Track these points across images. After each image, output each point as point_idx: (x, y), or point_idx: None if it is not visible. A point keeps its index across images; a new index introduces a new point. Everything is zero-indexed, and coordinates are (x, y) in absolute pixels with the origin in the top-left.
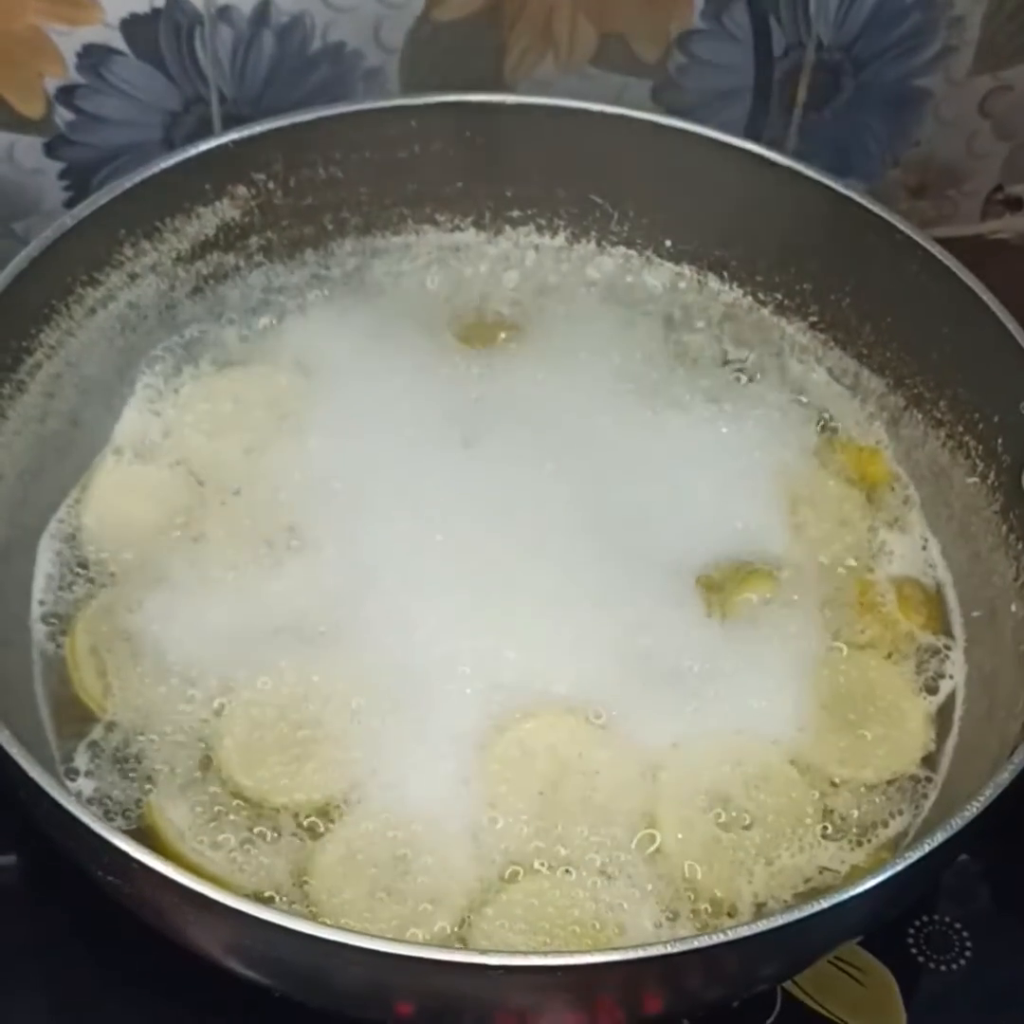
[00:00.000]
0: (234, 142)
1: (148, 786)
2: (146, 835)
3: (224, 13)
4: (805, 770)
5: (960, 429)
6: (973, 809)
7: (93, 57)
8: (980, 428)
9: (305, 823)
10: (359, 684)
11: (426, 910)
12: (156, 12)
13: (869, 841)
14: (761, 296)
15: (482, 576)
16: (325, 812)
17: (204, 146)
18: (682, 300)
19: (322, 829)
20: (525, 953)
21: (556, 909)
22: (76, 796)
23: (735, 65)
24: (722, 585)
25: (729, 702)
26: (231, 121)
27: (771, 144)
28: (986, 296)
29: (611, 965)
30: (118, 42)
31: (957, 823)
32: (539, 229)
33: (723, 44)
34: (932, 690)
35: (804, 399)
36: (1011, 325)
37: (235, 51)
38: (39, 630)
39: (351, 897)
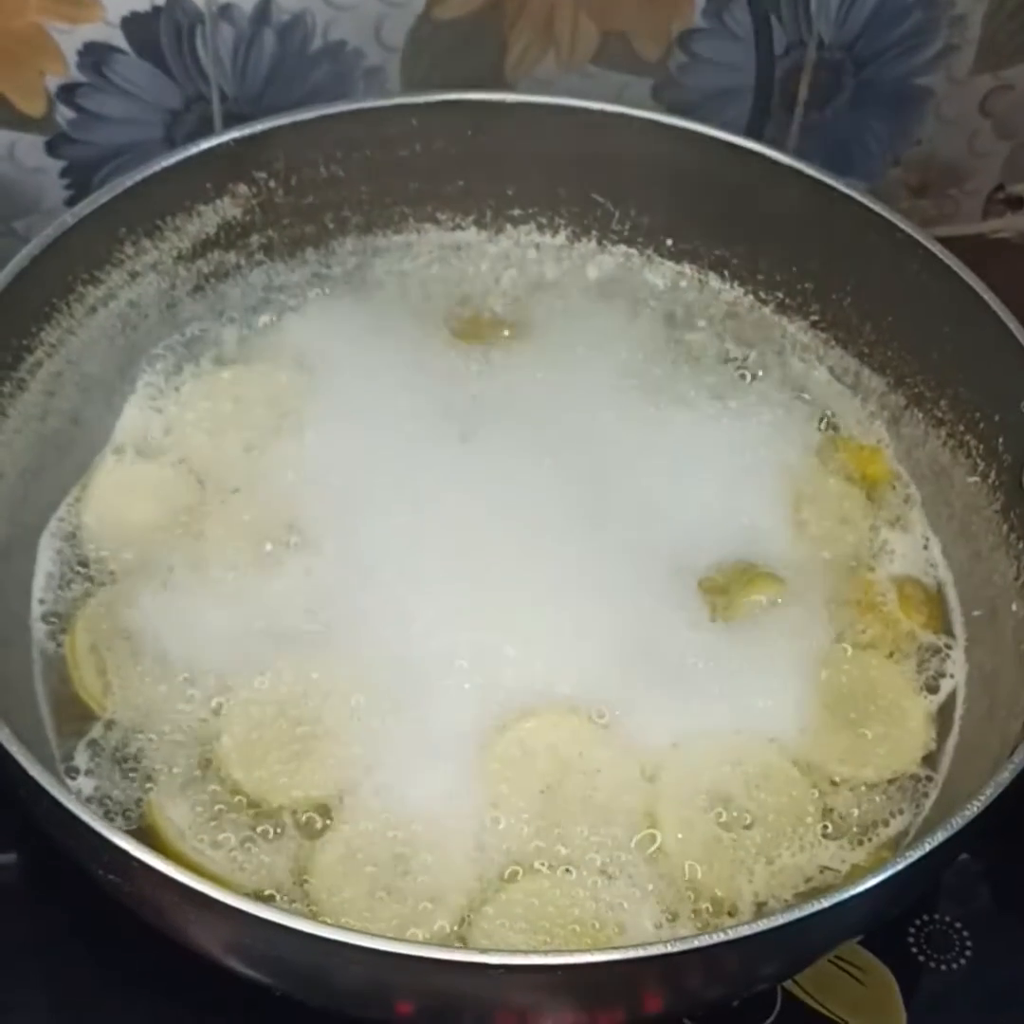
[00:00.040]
0: (235, 140)
1: (148, 785)
2: (146, 834)
3: (225, 11)
4: (806, 769)
5: (961, 428)
6: (974, 808)
7: (94, 55)
8: (981, 427)
9: (305, 822)
10: (359, 682)
11: (426, 909)
12: (157, 10)
13: (870, 840)
14: (762, 295)
15: (482, 573)
16: (325, 810)
17: (205, 144)
18: (683, 299)
19: (322, 828)
20: (525, 952)
21: (556, 908)
22: (76, 795)
23: (736, 64)
24: (726, 588)
25: (730, 701)
26: (232, 119)
27: (772, 143)
28: (987, 295)
29: (611, 964)
30: (119, 40)
31: (958, 822)
32: (540, 228)
33: (724, 43)
34: (933, 689)
35: (805, 398)
36: (1012, 324)
37: (236, 49)
38: (39, 629)
39: (351, 896)
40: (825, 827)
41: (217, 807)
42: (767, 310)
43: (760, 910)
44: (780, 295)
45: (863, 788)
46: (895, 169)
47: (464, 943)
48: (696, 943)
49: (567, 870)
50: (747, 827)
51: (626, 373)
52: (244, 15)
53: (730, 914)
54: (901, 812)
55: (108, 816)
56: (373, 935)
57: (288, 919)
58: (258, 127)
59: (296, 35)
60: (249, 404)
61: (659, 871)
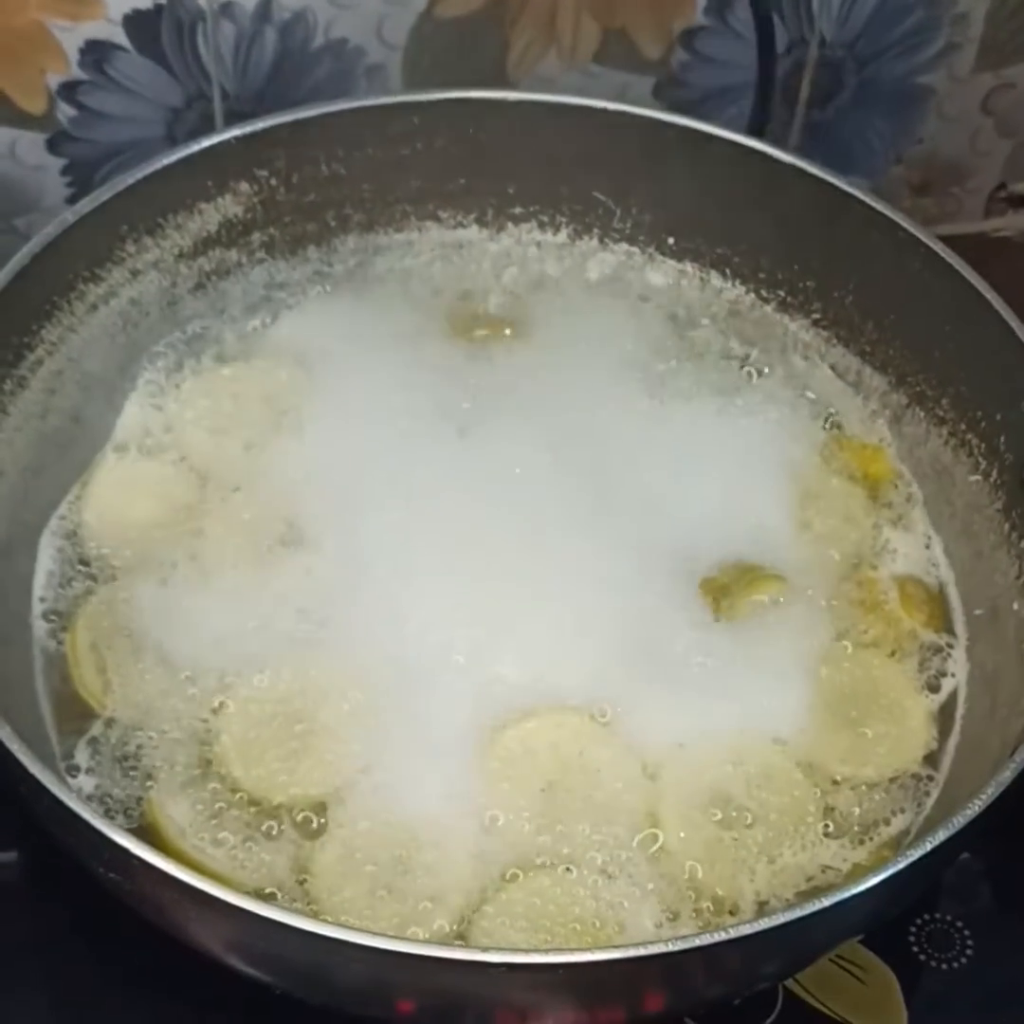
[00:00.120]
0: (236, 138)
1: (149, 783)
2: (147, 832)
3: (226, 9)
4: (807, 768)
5: (962, 427)
6: (975, 807)
7: (95, 53)
8: (982, 426)
9: (305, 820)
10: (359, 680)
11: (426, 908)
12: (159, 8)
13: (871, 839)
14: (764, 293)
15: (483, 571)
16: (324, 809)
17: (206, 142)
18: (685, 297)
19: (322, 826)
20: (526, 951)
21: (557, 907)
22: (77, 793)
23: (738, 62)
24: (728, 587)
25: (731, 700)
26: (233, 117)
27: (774, 141)
28: (989, 294)
29: (612, 963)
30: (120, 38)
31: (959, 822)
32: (541, 226)
33: (726, 41)
34: (934, 688)
35: (808, 396)
36: (1014, 323)
37: (237, 47)
38: (40, 627)
39: (351, 895)
40: (826, 826)
41: (217, 805)
42: (769, 308)
43: (761, 909)
44: (782, 293)
45: (864, 787)
46: (897, 167)
47: (465, 942)
48: (697, 942)
49: (568, 869)
50: (748, 826)
51: (627, 371)
52: (246, 13)
53: (731, 913)
54: (902, 811)
55: (108, 814)
56: (374, 933)
57: (289, 917)
58: (259, 125)
59: (298, 33)
60: (249, 402)
61: (660, 870)
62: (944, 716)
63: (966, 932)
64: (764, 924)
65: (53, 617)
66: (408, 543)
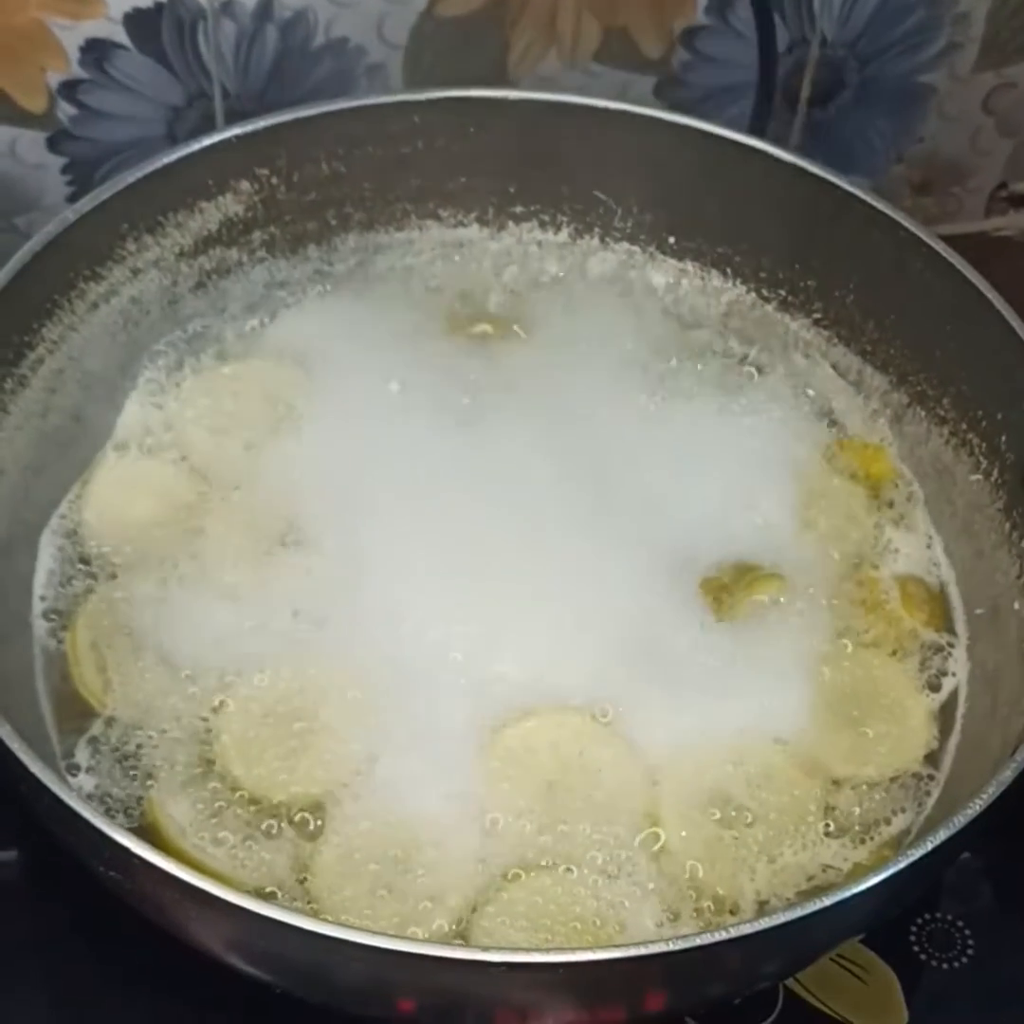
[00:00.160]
0: (237, 137)
1: (149, 782)
2: (147, 831)
3: (227, 8)
4: (808, 768)
5: (963, 426)
6: (976, 807)
7: (96, 52)
8: (983, 425)
9: (305, 819)
10: (359, 678)
11: (427, 908)
12: (159, 6)
13: (871, 839)
14: (765, 292)
15: (483, 570)
16: (324, 808)
17: (207, 141)
18: (685, 296)
19: (322, 825)
20: (527, 950)
21: (558, 906)
22: (77, 792)
23: (739, 61)
24: (729, 588)
25: (732, 700)
26: (234, 116)
27: (775, 140)
28: (990, 293)
29: (613, 962)
30: (121, 36)
31: (960, 821)
32: (542, 225)
33: (727, 40)
34: (935, 687)
35: (808, 395)
36: (1015, 322)
37: (238, 46)
38: (40, 626)
39: (352, 894)
40: (827, 825)
41: (218, 804)
42: (769, 307)
43: (762, 909)
44: (783, 292)
45: (865, 786)
46: (898, 167)
47: (465, 941)
48: (698, 941)
49: (568, 869)
50: (749, 825)
51: (628, 370)
52: (246, 11)
53: (732, 913)
54: (903, 810)
55: (109, 813)
56: (375, 933)
57: (289, 917)
58: (260, 124)
59: (298, 32)
60: (250, 400)
61: (661, 869)
62: (945, 715)
63: (967, 932)
64: (765, 923)
65: (53, 616)
66: (408, 542)
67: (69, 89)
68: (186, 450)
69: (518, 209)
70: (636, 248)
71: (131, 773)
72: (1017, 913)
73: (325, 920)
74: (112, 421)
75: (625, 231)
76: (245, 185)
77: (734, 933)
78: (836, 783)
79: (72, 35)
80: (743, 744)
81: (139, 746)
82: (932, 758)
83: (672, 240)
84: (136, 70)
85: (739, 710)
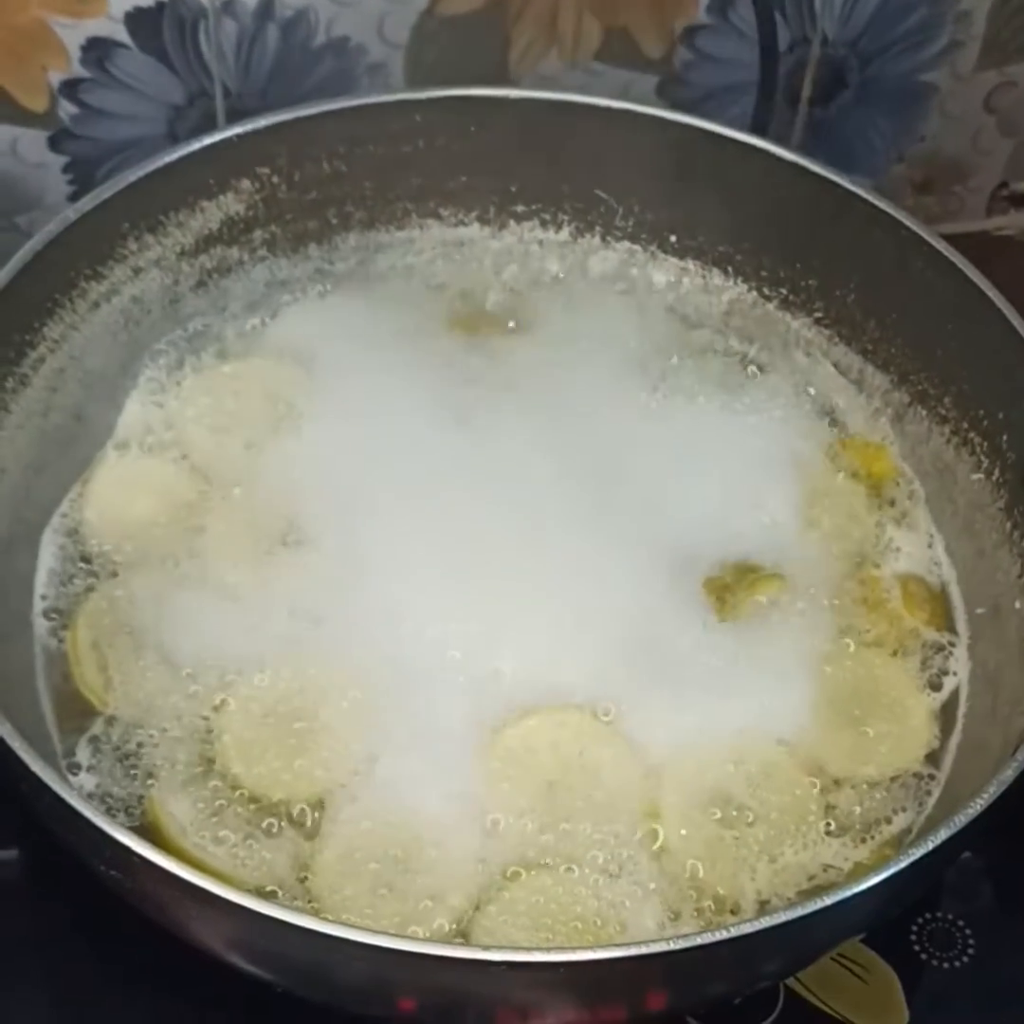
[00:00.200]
0: (238, 136)
1: (150, 781)
2: (148, 830)
3: (228, 7)
4: (809, 767)
5: (965, 425)
6: (976, 806)
7: (97, 51)
8: (985, 424)
9: (306, 818)
10: (359, 677)
11: (427, 907)
12: (160, 5)
13: (872, 838)
14: (766, 291)
15: (484, 569)
16: (325, 806)
17: (208, 140)
18: (687, 295)
19: (322, 824)
20: (528, 949)
21: (559, 906)
22: (78, 791)
23: (740, 60)
24: (731, 587)
25: (733, 699)
26: (235, 115)
27: (776, 139)
28: (991, 292)
29: (614, 961)
30: (122, 35)
31: (960, 820)
32: (543, 224)
33: (728, 39)
34: (936, 687)
35: (810, 394)
36: (1016, 321)
37: (239, 45)
38: (41, 625)
39: (352, 893)
40: (828, 825)
41: (218, 803)
42: (771, 306)
43: (763, 908)
44: (784, 291)
45: (866, 786)
46: (899, 166)
47: (466, 940)
48: (698, 941)
49: (569, 868)
50: (750, 825)
51: (629, 369)
52: (247, 10)
53: (733, 912)
54: (904, 810)
55: (109, 812)
56: (376, 932)
57: (290, 915)
58: (261, 123)
59: (299, 30)
60: (250, 399)
61: (662, 869)
62: (946, 715)
63: (968, 931)
64: (765, 923)
65: (54, 615)
66: (409, 541)
67: (70, 88)
68: (187, 449)
69: (519, 208)
70: (637, 247)
71: (132, 772)
72: (1018, 913)
73: (326, 919)
74: (113, 420)
75: (626, 230)
76: (246, 184)
77: (735, 932)
78: (837, 782)
79: (73, 34)
80: (744, 743)
81: (140, 745)
82: (933, 757)
83: (673, 239)
84: (137, 69)
85: (740, 709)
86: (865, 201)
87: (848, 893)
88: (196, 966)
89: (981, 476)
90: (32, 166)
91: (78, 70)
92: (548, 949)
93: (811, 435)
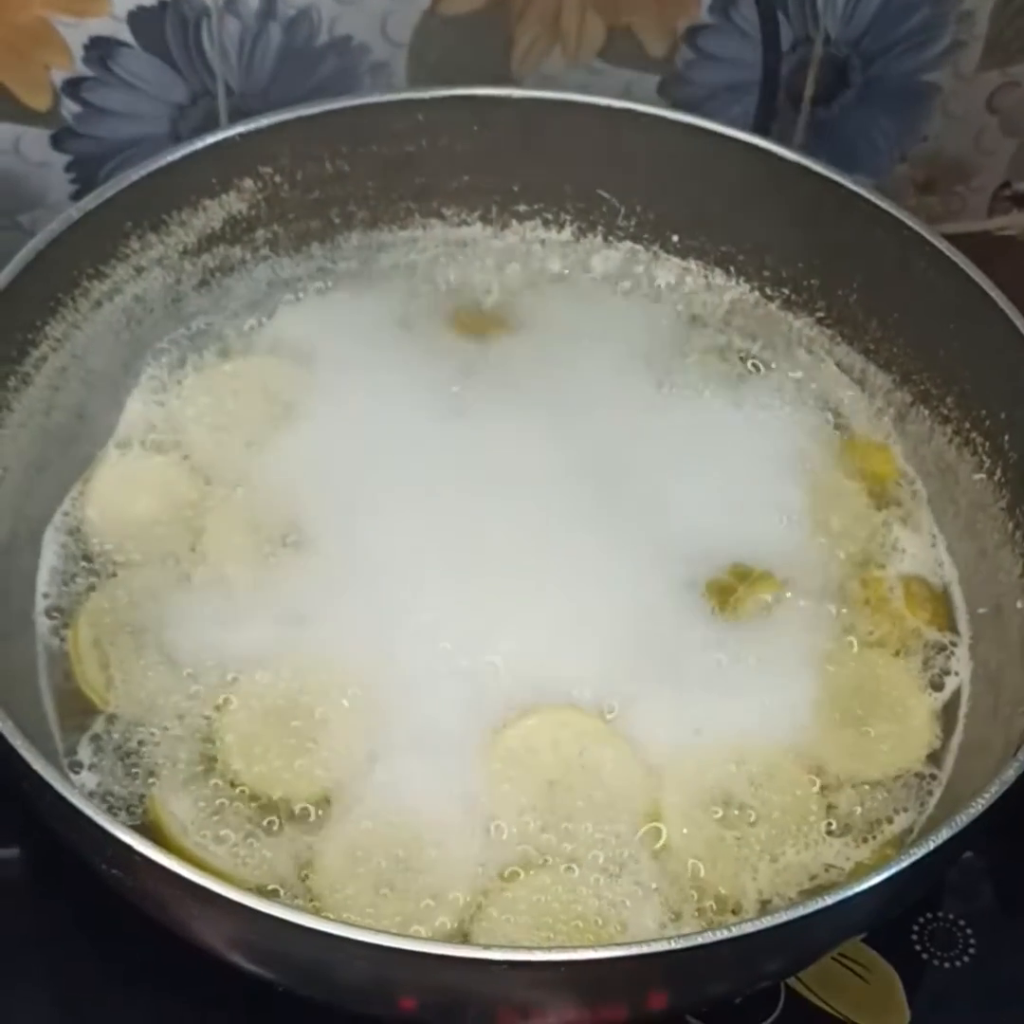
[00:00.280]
0: (241, 135)
1: (151, 780)
2: (149, 829)
3: (231, 6)
4: (810, 767)
5: (967, 425)
6: (978, 806)
7: (100, 49)
8: (987, 424)
9: (307, 817)
10: (360, 677)
11: (429, 906)
12: (163, 4)
13: (874, 838)
14: (768, 291)
15: (485, 568)
16: (326, 805)
17: (211, 139)
18: (689, 295)
19: (324, 823)
20: (529, 948)
21: (560, 905)
22: (79, 789)
23: (743, 60)
24: (734, 586)
25: (735, 698)
26: (238, 114)
27: (779, 139)
28: (993, 292)
29: (615, 961)
30: (125, 34)
31: (962, 820)
32: (546, 223)
33: (731, 39)
34: (937, 687)
35: (812, 394)
36: (1018, 321)
37: (242, 44)
38: (43, 623)
39: (354, 892)
40: (829, 825)
41: (219, 802)
42: (773, 306)
43: (764, 908)
44: (786, 291)
45: (867, 786)
46: (901, 166)
47: (467, 939)
48: (699, 940)
49: (570, 867)
50: (751, 824)
51: (631, 368)
52: (250, 9)
53: (734, 912)
54: (905, 810)
55: (111, 811)
56: (378, 931)
57: (291, 914)
58: (264, 122)
59: (302, 29)
60: (251, 398)
61: (663, 868)
62: (947, 715)
63: (969, 931)
64: (766, 922)
65: (56, 613)
66: (410, 540)
67: (73, 87)
68: (188, 448)
69: (521, 207)
70: (639, 246)
71: (133, 771)
72: (1019, 913)
73: (327, 918)
74: (114, 419)
75: (628, 229)
76: (249, 183)
77: (736, 932)
78: (838, 782)
79: (76, 33)
80: (746, 743)
81: (141, 743)
82: (935, 757)
83: (676, 238)
84: (140, 68)
85: (742, 709)
86: (867, 201)
87: (849, 893)
88: (197, 965)
89: (983, 476)
90: (35, 165)
91: (81, 69)
92: (549, 948)
93: (814, 435)
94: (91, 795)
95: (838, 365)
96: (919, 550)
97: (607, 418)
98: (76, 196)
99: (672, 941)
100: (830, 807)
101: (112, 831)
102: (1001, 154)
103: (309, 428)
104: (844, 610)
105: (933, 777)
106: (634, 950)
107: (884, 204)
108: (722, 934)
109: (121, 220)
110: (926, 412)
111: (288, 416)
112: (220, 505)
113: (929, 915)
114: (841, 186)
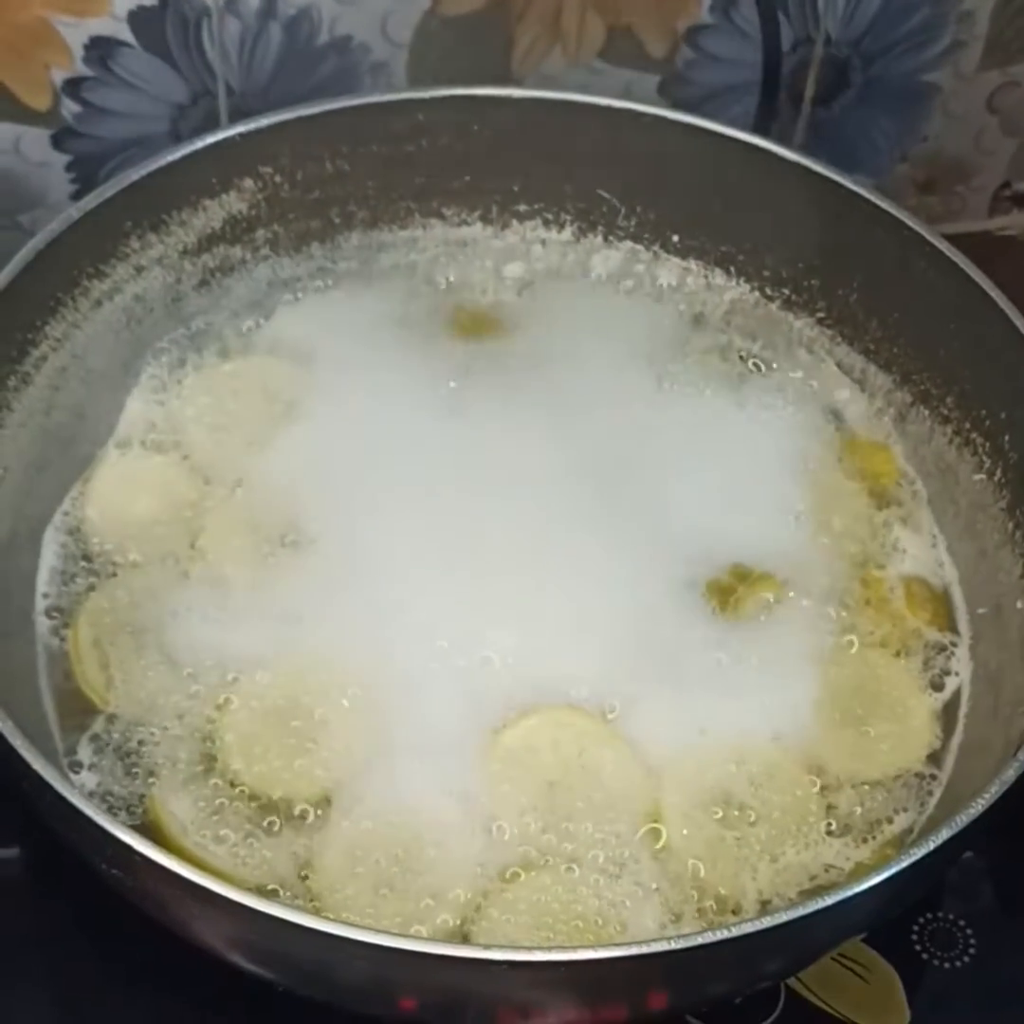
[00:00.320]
0: (241, 135)
1: (151, 779)
2: (149, 829)
3: (231, 5)
4: (810, 767)
5: (967, 425)
6: (978, 806)
7: (100, 49)
8: (987, 424)
9: (307, 817)
10: (360, 676)
11: (429, 906)
12: (163, 4)
13: (874, 838)
14: (768, 291)
15: (485, 568)
16: (326, 805)
17: (211, 139)
18: (689, 295)
19: (324, 823)
20: (529, 948)
21: (560, 905)
22: (79, 789)
23: (743, 60)
24: (734, 586)
25: (735, 698)
26: (238, 114)
27: (779, 139)
28: (993, 292)
29: (615, 961)
30: (125, 34)
31: (962, 820)
32: (546, 223)
33: (731, 39)
34: (938, 687)
35: (812, 394)
36: (1018, 321)
37: (242, 44)
38: (43, 623)
39: (354, 892)
40: (829, 825)
41: (219, 802)
42: (773, 306)
43: (764, 908)
44: (786, 291)
45: (867, 786)
46: (902, 166)
47: (467, 940)
48: (699, 940)
49: (570, 868)
50: (751, 825)
51: (632, 368)
52: (250, 9)
53: (734, 912)
54: (905, 810)
55: (111, 811)
56: (378, 931)
57: (291, 914)
58: (264, 122)
59: (302, 29)
60: (251, 398)
61: (663, 869)
62: (947, 715)
63: (969, 931)
64: (766, 923)
65: (56, 613)
66: (410, 540)
67: (73, 86)
68: (188, 447)
69: (522, 207)
70: (640, 246)
71: (133, 771)
72: (1019, 913)
73: (327, 918)
74: (114, 418)
75: (629, 229)
76: (249, 183)
77: (736, 932)
78: (838, 782)
79: (76, 32)
80: (746, 743)
81: (141, 743)
82: (935, 757)
83: (676, 238)
84: (140, 68)
85: (742, 709)
86: (867, 201)
87: (849, 893)
88: (197, 965)
89: (983, 476)
90: (35, 164)
91: (81, 68)
92: (549, 948)
93: (814, 435)
94: (91, 795)
95: (838, 365)
96: (919, 550)
97: (607, 418)
98: (76, 196)
99: (672, 941)
100: (830, 807)
101: (112, 831)
102: (1001, 154)
103: (309, 428)
104: (844, 610)
105: (933, 777)
106: (634, 950)
107: (884, 204)
108: (722, 934)
109: (121, 220)
110: (926, 412)
111: (288, 416)
112: (219, 505)
113: (929, 915)
114: (841, 186)
